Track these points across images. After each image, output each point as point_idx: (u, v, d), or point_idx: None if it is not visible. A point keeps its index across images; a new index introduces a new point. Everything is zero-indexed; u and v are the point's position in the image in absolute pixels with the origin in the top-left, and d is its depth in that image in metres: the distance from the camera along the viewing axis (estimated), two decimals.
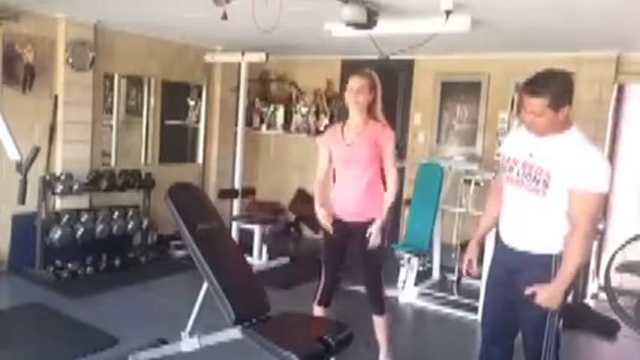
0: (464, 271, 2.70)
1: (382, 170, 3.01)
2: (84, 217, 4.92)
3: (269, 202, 6.75)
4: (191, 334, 2.77)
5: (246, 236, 5.42)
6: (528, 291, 2.30)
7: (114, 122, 5.59)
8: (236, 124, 5.97)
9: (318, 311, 3.12)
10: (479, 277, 3.69)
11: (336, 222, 3.04)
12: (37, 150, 2.67)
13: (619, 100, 5.18)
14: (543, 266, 2.30)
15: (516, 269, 2.39)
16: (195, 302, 2.76)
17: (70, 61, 4.80)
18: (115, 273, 4.83)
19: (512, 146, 2.45)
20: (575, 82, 5.06)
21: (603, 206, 5.16)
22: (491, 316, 2.63)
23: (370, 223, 2.94)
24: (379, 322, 3.05)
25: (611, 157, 5.24)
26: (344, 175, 3.02)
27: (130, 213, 5.28)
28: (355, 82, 2.96)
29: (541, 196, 2.26)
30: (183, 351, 2.80)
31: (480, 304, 3.49)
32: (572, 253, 2.22)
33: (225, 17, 3.25)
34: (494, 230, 2.69)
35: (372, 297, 3.04)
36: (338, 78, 6.51)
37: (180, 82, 6.10)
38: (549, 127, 2.25)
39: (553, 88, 2.19)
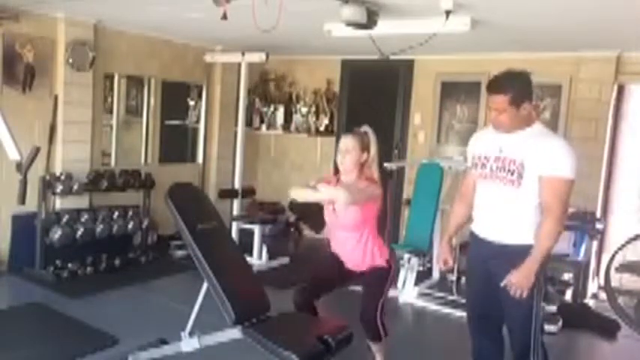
0: (442, 268, 2.91)
1: (378, 216, 2.92)
2: (84, 217, 4.92)
3: (269, 202, 6.75)
4: (191, 334, 2.77)
5: (246, 236, 5.41)
6: (504, 282, 2.38)
7: (114, 122, 5.59)
8: (236, 124, 5.97)
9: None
10: None
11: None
12: (37, 150, 2.67)
13: (619, 100, 5.18)
14: (521, 257, 2.37)
15: (495, 262, 2.46)
16: (195, 302, 2.76)
17: (70, 61, 4.79)
18: (115, 273, 4.83)
19: (481, 145, 2.57)
20: (575, 81, 5.13)
21: (603, 206, 5.18)
22: (477, 310, 2.70)
23: (371, 270, 2.90)
24: (374, 347, 3.00)
25: (611, 157, 5.24)
26: (336, 235, 2.98)
27: (130, 213, 5.28)
28: (343, 143, 2.87)
29: (516, 186, 2.37)
30: (183, 351, 2.80)
31: None
32: (543, 236, 2.33)
33: (225, 17, 3.24)
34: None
35: (365, 322, 2.92)
36: (338, 78, 6.52)
37: (180, 82, 6.10)
38: (513, 123, 2.38)
39: (513, 86, 2.36)
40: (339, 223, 2.91)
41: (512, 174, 2.36)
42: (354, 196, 2.72)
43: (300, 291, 3.00)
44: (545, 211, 2.33)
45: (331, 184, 2.92)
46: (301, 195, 3.00)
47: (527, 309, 2.37)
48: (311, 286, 3.03)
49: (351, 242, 2.90)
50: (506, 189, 2.39)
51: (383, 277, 2.92)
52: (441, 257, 2.81)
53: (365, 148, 2.86)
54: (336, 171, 3.02)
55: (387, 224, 3.02)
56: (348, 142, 2.87)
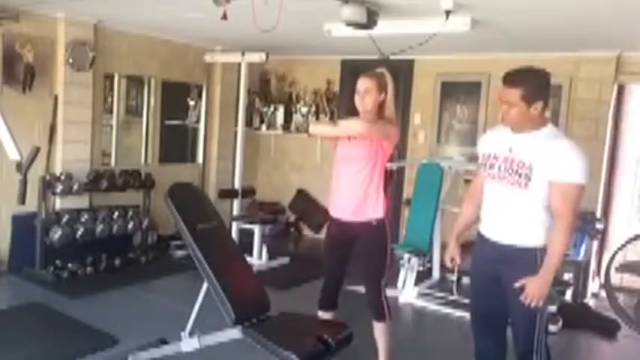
0: (449, 265, 2.86)
1: (385, 171, 2.94)
2: (84, 217, 4.92)
3: (269, 202, 6.75)
4: (191, 334, 2.77)
5: (246, 236, 5.41)
6: (517, 284, 2.34)
7: (114, 122, 5.59)
8: (236, 124, 5.97)
9: (321, 315, 3.09)
10: None
11: (334, 221, 3.01)
12: (37, 150, 2.67)
13: (619, 100, 5.18)
14: (527, 260, 2.36)
15: (501, 263, 2.44)
16: (195, 302, 2.76)
17: (70, 61, 4.79)
18: (115, 273, 4.83)
19: (491, 144, 2.53)
20: (575, 81, 5.13)
21: (603, 206, 5.18)
22: (479, 310, 2.68)
23: (368, 223, 2.89)
24: (378, 328, 3.01)
25: (612, 157, 5.25)
26: (342, 173, 2.95)
27: (130, 213, 5.28)
28: (362, 84, 2.85)
29: (523, 188, 2.34)
30: (183, 351, 2.80)
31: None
32: (555, 244, 2.30)
33: (225, 17, 3.25)
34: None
35: (369, 302, 2.97)
36: (338, 78, 6.52)
37: (180, 82, 6.10)
38: (522, 120, 2.33)
39: (528, 82, 2.30)
40: (351, 154, 2.88)
41: (519, 176, 2.33)
42: (371, 128, 2.77)
43: (323, 291, 3.08)
44: (556, 218, 2.30)
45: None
46: (320, 129, 3.02)
47: (531, 310, 2.35)
48: (327, 282, 3.08)
49: (357, 179, 2.86)
50: (513, 190, 2.36)
51: (380, 243, 2.92)
52: (448, 254, 2.79)
53: (382, 88, 2.85)
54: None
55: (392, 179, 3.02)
56: (366, 82, 2.84)
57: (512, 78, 2.33)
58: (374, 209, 2.89)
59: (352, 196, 2.90)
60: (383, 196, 2.90)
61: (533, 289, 2.30)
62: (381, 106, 2.87)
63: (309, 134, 3.10)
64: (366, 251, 2.96)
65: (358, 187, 2.87)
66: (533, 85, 2.30)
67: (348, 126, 2.87)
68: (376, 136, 2.81)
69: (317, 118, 6.52)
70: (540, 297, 2.30)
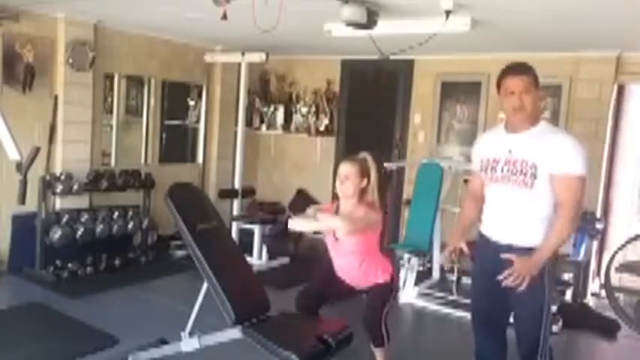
0: (447, 258, 2.83)
1: (380, 240, 2.94)
2: (84, 217, 4.92)
3: (269, 202, 6.75)
4: (191, 334, 2.77)
5: (246, 236, 5.41)
6: (506, 255, 2.34)
7: (114, 122, 5.59)
8: (236, 124, 5.98)
9: None
10: None
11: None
12: (37, 150, 2.67)
13: (619, 100, 5.18)
14: None
15: (504, 263, 2.41)
16: (195, 302, 2.76)
17: (70, 61, 4.79)
18: (115, 273, 4.83)
19: (488, 148, 2.53)
20: (575, 81, 5.13)
21: (603, 206, 5.18)
22: (480, 310, 2.67)
23: (374, 287, 2.90)
24: (376, 351, 2.99)
25: (612, 157, 5.25)
26: (337, 260, 2.97)
27: (130, 213, 5.28)
28: (342, 169, 2.85)
29: (529, 188, 2.34)
30: (183, 351, 2.80)
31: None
32: (555, 231, 2.31)
33: (225, 17, 3.25)
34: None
35: (368, 325, 2.91)
36: (338, 78, 6.52)
37: (180, 82, 6.10)
38: (534, 109, 2.37)
39: (531, 70, 2.40)
40: (341, 250, 2.90)
41: (525, 175, 2.33)
42: (353, 225, 2.74)
43: (303, 294, 3.04)
44: (558, 210, 2.31)
45: (330, 211, 2.94)
46: (300, 225, 3.01)
47: (537, 310, 2.35)
48: (313, 291, 3.05)
49: (353, 266, 2.90)
50: (519, 191, 2.36)
51: (385, 291, 2.93)
52: (452, 244, 2.71)
53: (365, 174, 2.85)
54: (335, 197, 2.99)
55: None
56: (347, 168, 2.84)
57: (519, 67, 2.40)
58: (378, 278, 2.91)
59: (352, 276, 2.94)
60: (382, 265, 2.92)
61: (522, 266, 2.29)
62: (363, 191, 2.86)
63: (289, 229, 3.04)
64: (370, 296, 2.96)
65: (354, 271, 2.91)
66: (535, 73, 2.38)
67: (329, 224, 2.86)
68: (359, 230, 2.79)
69: (317, 118, 6.51)
70: (525, 274, 2.28)
